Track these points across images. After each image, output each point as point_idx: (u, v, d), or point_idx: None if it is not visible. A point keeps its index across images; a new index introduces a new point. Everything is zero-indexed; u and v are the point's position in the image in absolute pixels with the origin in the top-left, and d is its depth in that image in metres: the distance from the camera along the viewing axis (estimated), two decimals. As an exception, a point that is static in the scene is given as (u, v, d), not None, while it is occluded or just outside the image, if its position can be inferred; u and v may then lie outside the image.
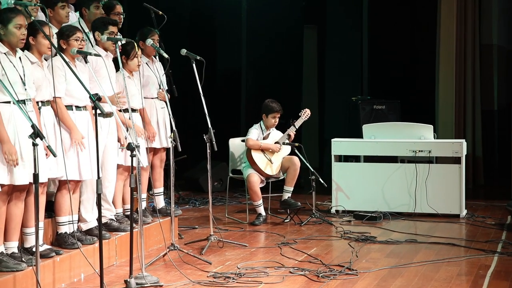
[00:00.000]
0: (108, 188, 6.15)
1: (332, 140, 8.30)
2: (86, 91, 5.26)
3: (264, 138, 7.83)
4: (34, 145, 4.48)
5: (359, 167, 8.32)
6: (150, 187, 7.03)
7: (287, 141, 7.81)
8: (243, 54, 10.35)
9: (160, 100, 6.92)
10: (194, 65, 6.33)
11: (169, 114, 6.49)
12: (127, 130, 5.91)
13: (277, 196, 8.08)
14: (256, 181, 7.68)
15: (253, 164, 7.72)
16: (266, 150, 7.78)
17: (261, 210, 7.73)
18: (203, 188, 9.34)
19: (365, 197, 8.10)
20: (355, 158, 8.62)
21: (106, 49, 6.15)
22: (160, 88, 6.89)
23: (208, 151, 6.37)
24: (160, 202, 7.14)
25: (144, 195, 6.75)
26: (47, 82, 5.43)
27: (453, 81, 9.89)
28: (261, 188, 7.80)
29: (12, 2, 5.10)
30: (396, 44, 10.29)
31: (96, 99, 4.97)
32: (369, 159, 8.39)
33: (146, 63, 6.89)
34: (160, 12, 7.14)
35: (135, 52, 6.30)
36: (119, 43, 5.79)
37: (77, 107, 5.68)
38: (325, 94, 10.52)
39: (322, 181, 7.68)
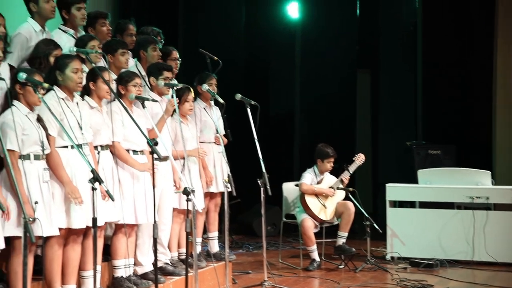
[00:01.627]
0: (163, 232, 6.17)
1: (386, 185, 8.21)
2: (143, 136, 5.36)
3: (318, 183, 7.79)
4: (93, 189, 4.55)
5: (415, 213, 8.19)
6: (204, 231, 7.04)
7: (341, 186, 7.76)
8: (296, 97, 10.38)
9: (217, 144, 6.97)
10: (248, 109, 6.38)
11: (225, 159, 6.52)
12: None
13: (331, 242, 8.00)
14: (310, 226, 7.62)
15: (307, 209, 7.67)
16: (320, 195, 7.73)
17: (315, 255, 7.66)
18: (256, 232, 9.30)
19: (421, 244, 7.95)
20: (410, 204, 8.49)
21: (161, 94, 6.24)
22: (217, 132, 6.94)
23: (262, 195, 6.36)
24: (214, 246, 7.13)
25: (199, 239, 6.75)
26: (106, 127, 5.53)
27: (510, 125, 9.71)
28: (315, 233, 7.74)
29: (75, 50, 5.24)
30: (451, 88, 10.18)
31: (153, 144, 5.04)
32: (425, 205, 8.26)
33: (204, 108, 6.96)
34: (216, 58, 7.24)
35: (186, 96, 6.37)
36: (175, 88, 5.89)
37: (134, 151, 5.75)
38: (379, 138, 10.44)
39: (377, 227, 7.58)
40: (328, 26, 9.77)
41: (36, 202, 4.63)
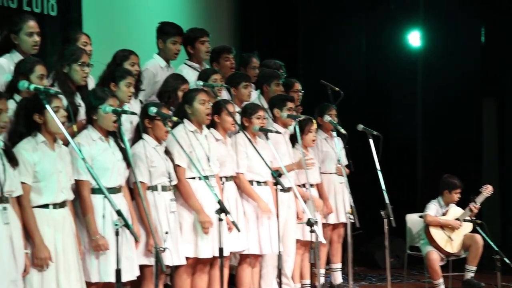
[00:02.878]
0: (287, 263, 6.18)
1: (516, 217, 7.87)
2: (267, 167, 5.42)
3: (443, 214, 7.59)
4: (220, 220, 4.64)
5: (547, 246, 7.80)
6: (327, 262, 7.00)
7: (468, 217, 7.52)
8: (418, 127, 10.19)
9: (339, 175, 6.94)
10: (371, 140, 6.32)
11: (348, 190, 6.48)
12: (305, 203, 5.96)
13: (458, 275, 7.73)
14: (436, 259, 7.41)
15: (432, 241, 7.48)
16: (446, 226, 7.51)
17: (442, 289, 7.44)
18: (379, 264, 9.13)
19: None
20: (542, 236, 8.10)
21: (284, 125, 6.30)
22: (338, 163, 6.91)
23: (385, 227, 6.26)
24: (337, 278, 7.08)
25: (322, 271, 6.72)
26: (231, 159, 5.63)
27: None
28: (441, 267, 7.52)
29: (201, 83, 5.41)
30: None
31: (277, 176, 5.09)
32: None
33: (325, 138, 6.97)
34: (337, 89, 7.24)
35: (309, 127, 6.39)
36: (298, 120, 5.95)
37: (258, 182, 5.83)
38: (506, 168, 10.05)
39: (507, 261, 7.27)
40: (451, 53, 9.56)
41: (166, 232, 4.77)
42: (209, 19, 8.94)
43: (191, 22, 7.83)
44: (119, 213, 3.80)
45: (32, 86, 3.98)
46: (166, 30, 6.14)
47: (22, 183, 4.14)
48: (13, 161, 4.04)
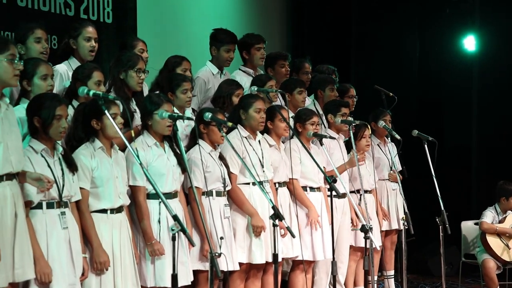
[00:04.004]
0: (340, 269, 6.14)
1: None
2: (322, 173, 5.40)
3: (500, 222, 7.44)
4: (274, 225, 4.63)
5: None
6: (380, 269, 6.93)
7: (526, 225, 7.37)
8: (472, 132, 10.02)
9: (392, 181, 6.87)
10: (426, 146, 6.25)
11: (402, 196, 6.41)
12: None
13: (515, 284, 7.59)
14: (492, 267, 7.28)
15: (488, 249, 7.34)
16: (503, 234, 7.37)
17: (498, 298, 7.30)
18: (432, 271, 9.01)
19: None
20: None
21: (338, 131, 6.27)
22: (391, 169, 6.85)
23: (441, 234, 6.17)
24: (391, 285, 7.00)
25: (375, 278, 6.65)
26: (284, 164, 5.62)
27: None
28: (498, 275, 7.37)
29: (255, 89, 5.42)
30: None
31: (332, 181, 5.06)
32: None
33: (378, 144, 6.91)
34: (391, 94, 7.18)
35: (363, 133, 6.34)
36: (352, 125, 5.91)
37: (311, 188, 5.81)
38: None
39: None
40: (507, 58, 9.39)
41: (221, 238, 4.78)
42: (261, 24, 8.96)
43: (242, 27, 7.87)
44: (175, 218, 3.82)
45: (91, 92, 4.05)
46: (220, 38, 6.16)
47: (81, 188, 4.20)
48: (72, 166, 4.11)
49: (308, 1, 9.69)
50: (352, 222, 6.17)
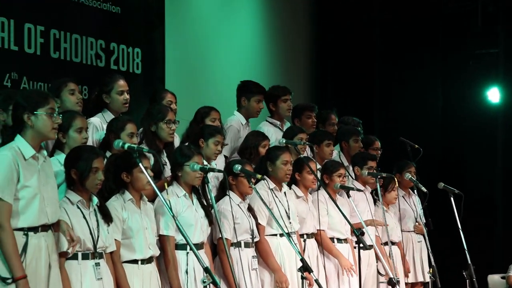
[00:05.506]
0: (365, 321, 6.12)
1: None
2: (349, 225, 5.42)
3: (527, 275, 7.38)
4: (303, 278, 4.64)
5: None
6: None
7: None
8: (497, 184, 9.98)
9: (417, 233, 6.86)
10: (452, 198, 6.25)
11: (427, 248, 6.38)
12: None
13: None
14: (520, 322, 7.20)
15: (515, 303, 7.27)
16: (530, 288, 7.31)
17: None
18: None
19: None
20: None
21: (365, 183, 6.29)
22: (416, 221, 6.84)
23: (467, 288, 6.12)
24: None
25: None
26: (311, 215, 5.65)
27: None
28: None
29: (284, 141, 5.48)
30: None
31: (359, 234, 5.07)
32: None
33: (403, 196, 6.91)
34: (416, 146, 7.20)
35: (394, 185, 6.36)
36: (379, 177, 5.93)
37: (338, 239, 5.82)
38: None
39: None
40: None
41: (251, 290, 4.80)
42: (286, 76, 9.07)
43: (268, 79, 7.98)
44: (207, 270, 3.84)
45: (126, 145, 4.12)
46: (250, 89, 6.25)
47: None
48: (107, 218, 4.17)
49: (332, 53, 9.81)
50: (379, 273, 6.13)
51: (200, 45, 7.98)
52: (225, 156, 5.78)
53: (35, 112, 3.77)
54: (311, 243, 5.64)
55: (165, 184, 4.35)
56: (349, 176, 6.31)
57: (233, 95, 6.44)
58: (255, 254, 5.16)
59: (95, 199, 4.16)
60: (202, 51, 8.02)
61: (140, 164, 4.10)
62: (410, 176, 6.65)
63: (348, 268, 5.63)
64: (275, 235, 5.34)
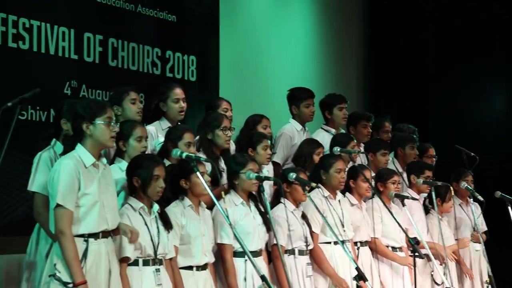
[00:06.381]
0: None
1: None
2: (404, 234, 5.39)
3: None
4: (358, 287, 4.64)
5: None
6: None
7: None
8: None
9: (474, 242, 6.77)
10: (509, 208, 6.15)
11: (485, 258, 6.30)
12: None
13: None
14: None
15: None
16: None
17: None
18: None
19: None
20: None
21: (419, 192, 6.24)
22: (474, 230, 6.75)
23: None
24: None
25: None
26: (366, 223, 5.64)
27: None
28: None
29: (338, 150, 5.48)
30: None
31: (415, 243, 5.04)
32: None
33: (459, 204, 6.84)
34: (472, 154, 7.11)
35: (450, 195, 6.29)
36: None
37: (393, 248, 5.80)
38: None
39: None
40: None
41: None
42: (339, 83, 9.07)
43: (320, 86, 7.99)
44: (263, 278, 3.88)
45: (184, 154, 4.19)
46: (298, 96, 6.28)
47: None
48: (168, 225, 4.24)
49: (385, 59, 9.75)
50: (435, 282, 6.05)
51: (253, 52, 8.05)
52: (277, 163, 5.80)
53: (93, 122, 3.87)
54: (365, 251, 5.62)
55: (222, 193, 4.39)
56: (404, 184, 6.27)
57: (286, 102, 6.47)
58: (310, 262, 5.17)
59: (156, 206, 4.23)
60: (256, 58, 8.08)
61: (198, 172, 4.15)
62: (466, 185, 6.56)
63: (409, 263, 5.60)
64: (329, 243, 5.34)
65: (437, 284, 6.05)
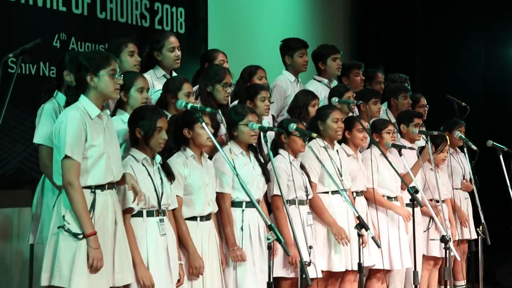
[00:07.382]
0: (415, 278, 6.15)
1: None
2: (399, 182, 5.43)
3: None
4: (359, 235, 4.68)
5: None
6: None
7: None
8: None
9: (464, 190, 6.85)
10: (501, 156, 6.23)
11: (478, 206, 6.37)
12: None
13: None
14: None
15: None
16: None
17: None
18: (499, 281, 8.92)
19: None
20: None
21: (412, 141, 6.27)
22: (464, 179, 6.82)
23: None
24: (462, 295, 6.97)
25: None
26: (362, 174, 5.67)
27: None
28: None
29: (337, 100, 5.48)
30: None
31: (413, 192, 5.08)
32: None
33: (451, 153, 6.88)
34: (463, 104, 7.15)
35: (445, 145, 6.33)
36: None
37: (388, 197, 5.84)
38: None
39: None
40: None
41: (310, 247, 4.83)
42: (326, 33, 9.01)
43: (310, 37, 7.92)
44: (270, 227, 3.89)
45: (189, 105, 4.16)
46: (291, 46, 6.24)
47: (176, 196, 4.31)
48: (170, 176, 4.22)
49: (372, 10, 9.69)
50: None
51: (241, 4, 7.95)
52: (272, 115, 5.78)
53: (97, 74, 3.81)
54: (361, 201, 5.66)
55: (228, 144, 4.37)
56: (399, 133, 6.29)
57: (275, 54, 6.43)
58: (310, 211, 5.20)
59: (158, 157, 4.21)
60: (244, 10, 7.99)
61: (204, 123, 4.13)
62: (460, 135, 6.61)
63: (406, 214, 5.65)
64: (327, 192, 5.37)
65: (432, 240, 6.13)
